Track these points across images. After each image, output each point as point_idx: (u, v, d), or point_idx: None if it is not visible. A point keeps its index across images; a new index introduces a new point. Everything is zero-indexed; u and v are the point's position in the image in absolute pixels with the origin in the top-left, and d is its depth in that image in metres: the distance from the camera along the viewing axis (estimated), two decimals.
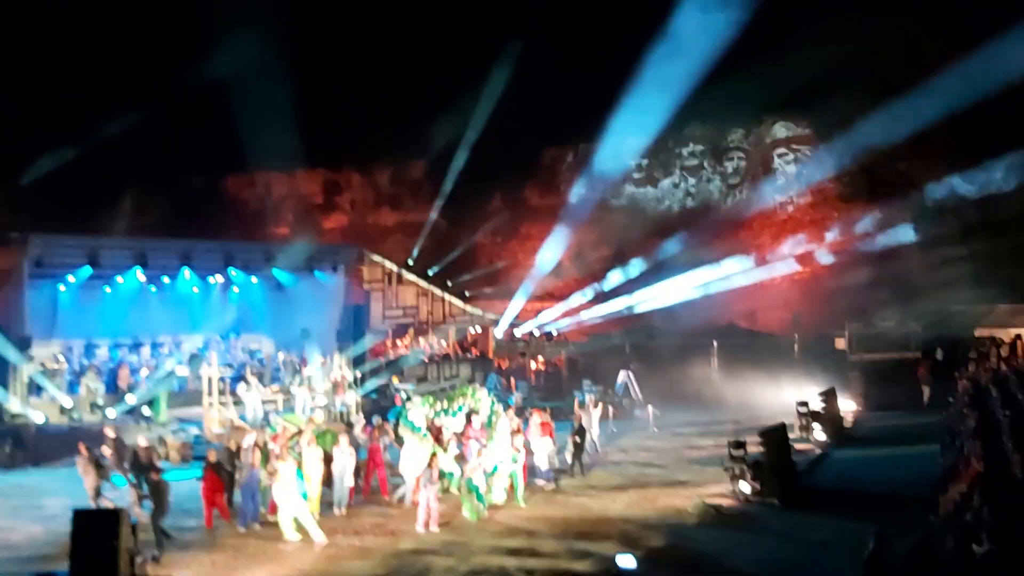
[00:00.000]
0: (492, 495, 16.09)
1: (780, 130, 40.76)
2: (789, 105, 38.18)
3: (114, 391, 25.10)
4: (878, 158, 35.67)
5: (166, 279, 28.24)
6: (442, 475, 15.95)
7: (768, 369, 28.45)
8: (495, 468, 16.22)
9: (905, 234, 34.95)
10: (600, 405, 22.89)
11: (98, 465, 15.86)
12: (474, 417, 19.07)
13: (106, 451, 17.22)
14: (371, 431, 18.19)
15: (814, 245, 37.95)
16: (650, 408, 25.91)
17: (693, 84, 32.59)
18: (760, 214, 39.76)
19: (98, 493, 15.48)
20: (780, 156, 40.55)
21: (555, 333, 35.89)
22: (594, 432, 21.62)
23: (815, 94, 34.89)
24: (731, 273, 35.67)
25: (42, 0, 29.27)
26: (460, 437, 17.95)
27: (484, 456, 16.05)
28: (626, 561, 11.53)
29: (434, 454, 15.95)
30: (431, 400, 19.29)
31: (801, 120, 39.99)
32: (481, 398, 19.69)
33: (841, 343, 31.48)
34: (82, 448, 15.92)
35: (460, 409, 19.16)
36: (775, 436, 16.69)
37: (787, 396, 25.06)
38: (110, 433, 18.02)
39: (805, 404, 22.98)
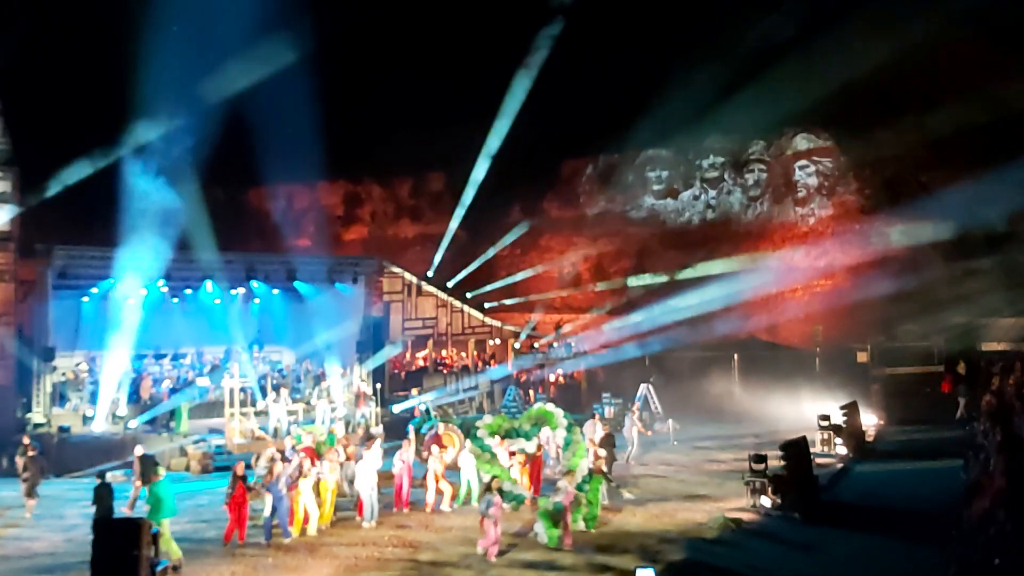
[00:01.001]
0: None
1: (801, 142, 40.55)
2: (810, 117, 38.01)
3: (136, 402, 25.32)
4: (900, 169, 35.43)
5: (188, 291, 28.52)
6: (506, 498, 15.48)
7: (789, 382, 28.29)
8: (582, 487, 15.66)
9: (928, 246, 34.63)
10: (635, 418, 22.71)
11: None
12: (549, 438, 18.81)
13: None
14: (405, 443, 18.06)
15: (835, 257, 37.69)
16: (670, 421, 25.82)
17: (714, 96, 32.60)
18: (781, 226, 39.58)
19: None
20: (801, 168, 40.32)
21: (574, 345, 35.82)
22: (633, 445, 21.79)
23: (836, 106, 34.71)
24: (752, 286, 35.47)
25: (66, 11, 29.72)
26: (529, 459, 17.64)
27: (570, 481, 14.96)
28: (646, 575, 11.48)
29: (495, 476, 15.48)
30: (501, 420, 18.77)
31: (822, 132, 39.79)
32: (557, 417, 18.88)
33: (863, 356, 31.19)
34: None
35: (536, 430, 18.63)
36: (796, 450, 16.56)
37: (808, 410, 24.92)
38: (138, 451, 18.12)
39: (827, 418, 22.83)
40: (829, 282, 37.91)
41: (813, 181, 40.02)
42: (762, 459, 16.70)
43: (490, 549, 13.62)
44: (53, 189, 26.44)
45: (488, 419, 18.95)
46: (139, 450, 18.14)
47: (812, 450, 18.38)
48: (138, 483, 17.17)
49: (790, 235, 39.68)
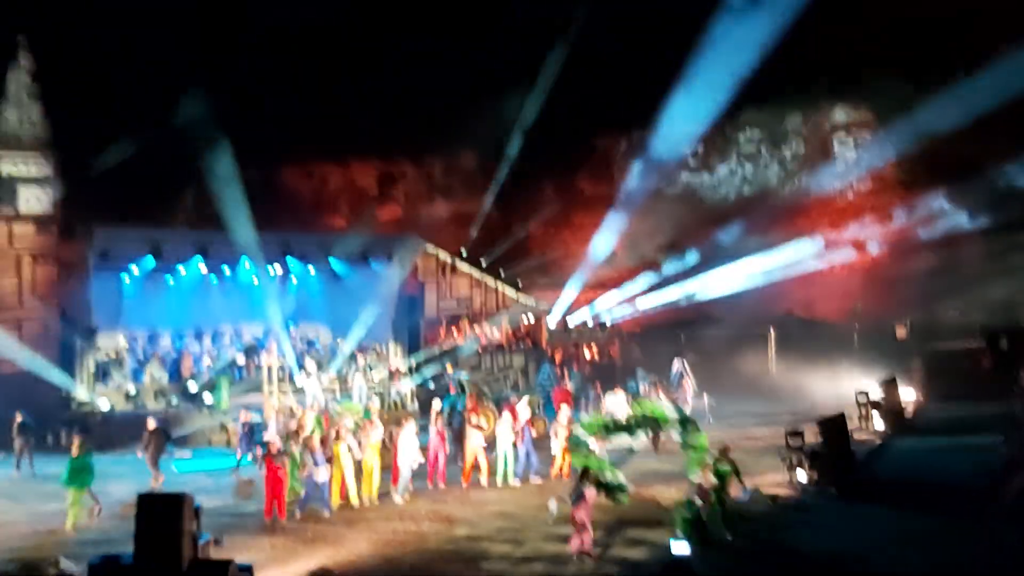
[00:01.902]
0: None
1: (839, 115, 39.95)
2: (848, 89, 37.39)
3: (177, 379, 25.76)
4: (940, 142, 34.73)
5: (227, 269, 28.87)
6: (607, 489, 14.40)
7: (826, 358, 28.03)
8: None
9: (969, 220, 34.04)
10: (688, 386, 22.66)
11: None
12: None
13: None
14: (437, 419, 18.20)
15: (874, 232, 37.18)
16: (706, 397, 25.72)
17: (750, 68, 32.12)
18: (819, 200, 39.06)
19: None
20: (839, 141, 39.76)
21: (609, 322, 35.74)
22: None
23: (875, 77, 34.12)
24: (788, 261, 35.11)
25: None
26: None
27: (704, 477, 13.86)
28: (680, 548, 11.50)
29: (589, 468, 14.13)
30: (600, 420, 17.01)
31: (861, 104, 39.14)
32: (668, 412, 17.10)
33: (902, 332, 30.83)
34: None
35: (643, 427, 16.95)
36: (834, 425, 16.43)
37: (846, 386, 24.69)
38: (151, 424, 18.56)
39: (865, 394, 22.62)
40: (868, 257, 37.43)
41: (852, 154, 39.45)
42: (799, 435, 16.60)
43: (585, 544, 12.43)
44: (92, 170, 26.84)
45: (586, 418, 18.00)
46: (151, 423, 18.59)
47: (850, 426, 18.25)
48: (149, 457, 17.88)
49: (828, 209, 39.17)
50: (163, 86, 27.17)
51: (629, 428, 16.34)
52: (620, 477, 14.89)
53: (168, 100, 25.56)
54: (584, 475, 13.43)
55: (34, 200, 25.70)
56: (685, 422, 16.11)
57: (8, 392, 23.43)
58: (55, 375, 24.12)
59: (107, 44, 31.36)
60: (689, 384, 26.03)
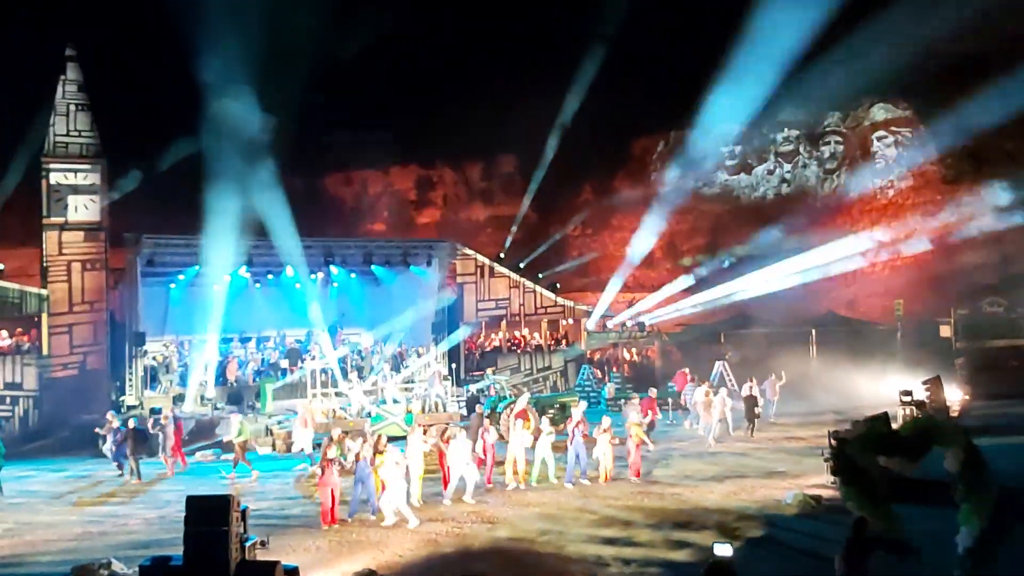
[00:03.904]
0: None
1: (879, 112, 39.53)
2: (888, 86, 36.96)
3: (223, 384, 26.20)
4: (983, 138, 34.23)
5: (270, 276, 29.30)
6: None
7: (869, 358, 27.75)
8: None
9: (1013, 216, 33.46)
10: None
11: None
12: None
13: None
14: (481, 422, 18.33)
15: (916, 230, 36.71)
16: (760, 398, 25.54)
17: (787, 68, 31.92)
18: (859, 199, 38.70)
19: None
20: (879, 139, 39.33)
21: (648, 324, 35.69)
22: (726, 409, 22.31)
23: (915, 74, 33.69)
24: (829, 260, 34.78)
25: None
26: None
27: None
28: (723, 551, 11.49)
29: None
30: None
31: (901, 101, 38.67)
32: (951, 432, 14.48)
33: (946, 330, 30.40)
34: None
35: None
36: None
37: (889, 385, 24.38)
38: (130, 424, 19.76)
39: (909, 393, 22.33)
40: (910, 255, 36.96)
41: (892, 152, 38.99)
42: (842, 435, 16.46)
43: None
44: (140, 180, 27.43)
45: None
46: (131, 423, 19.66)
47: (894, 426, 18.05)
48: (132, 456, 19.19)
49: (869, 208, 38.78)
50: (208, 95, 27.64)
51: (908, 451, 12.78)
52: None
53: (214, 109, 26.01)
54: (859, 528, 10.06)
55: (83, 209, 26.38)
56: (972, 448, 11.84)
57: (61, 396, 24.07)
58: (105, 379, 24.70)
59: (153, 54, 32.06)
60: (730, 385, 25.96)
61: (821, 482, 16.32)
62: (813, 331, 31.25)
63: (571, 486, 17.32)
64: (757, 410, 23.39)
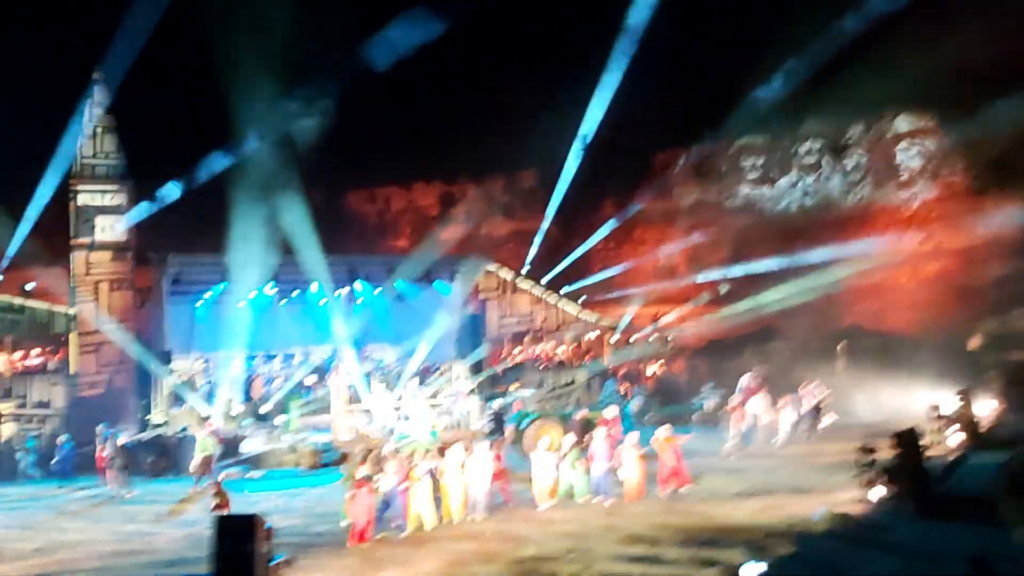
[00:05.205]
0: None
1: (902, 123, 39.23)
2: (911, 97, 36.68)
3: (249, 401, 26.33)
4: (1009, 147, 33.83)
5: (295, 293, 29.48)
6: None
7: (897, 371, 27.41)
8: None
9: None
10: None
11: None
12: None
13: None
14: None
15: (943, 241, 36.32)
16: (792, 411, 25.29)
17: (810, 78, 31.79)
18: (884, 211, 38.38)
19: None
20: (903, 150, 39.02)
21: (672, 338, 35.52)
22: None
23: (938, 84, 33.40)
24: (855, 272, 34.46)
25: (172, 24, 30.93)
26: None
27: None
28: (754, 570, 11.38)
29: None
30: None
31: (924, 112, 38.39)
32: None
33: (975, 342, 30.00)
34: None
35: None
36: (907, 440, 16.07)
37: (918, 399, 24.10)
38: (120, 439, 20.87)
39: (937, 407, 22.07)
40: (936, 267, 36.56)
41: (916, 163, 38.68)
42: (871, 451, 16.28)
43: None
44: (165, 199, 27.72)
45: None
46: (122, 439, 20.63)
47: (923, 440, 17.83)
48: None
49: (894, 219, 38.43)
50: (231, 113, 27.91)
51: None
52: None
53: (237, 129, 26.29)
54: None
55: (110, 229, 26.71)
56: None
57: (88, 414, 24.28)
58: (132, 398, 24.90)
59: (179, 72, 32.42)
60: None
61: (851, 498, 16.12)
62: (840, 344, 30.92)
63: (604, 500, 17.23)
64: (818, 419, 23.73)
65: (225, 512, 14.03)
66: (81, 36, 28.58)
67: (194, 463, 20.55)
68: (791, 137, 40.14)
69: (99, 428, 21.75)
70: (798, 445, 23.14)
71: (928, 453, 17.70)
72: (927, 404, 22.47)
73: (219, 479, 16.25)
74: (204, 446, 20.67)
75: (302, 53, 25.64)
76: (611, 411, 19.06)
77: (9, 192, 27.14)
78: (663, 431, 18.45)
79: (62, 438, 22.80)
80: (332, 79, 28.93)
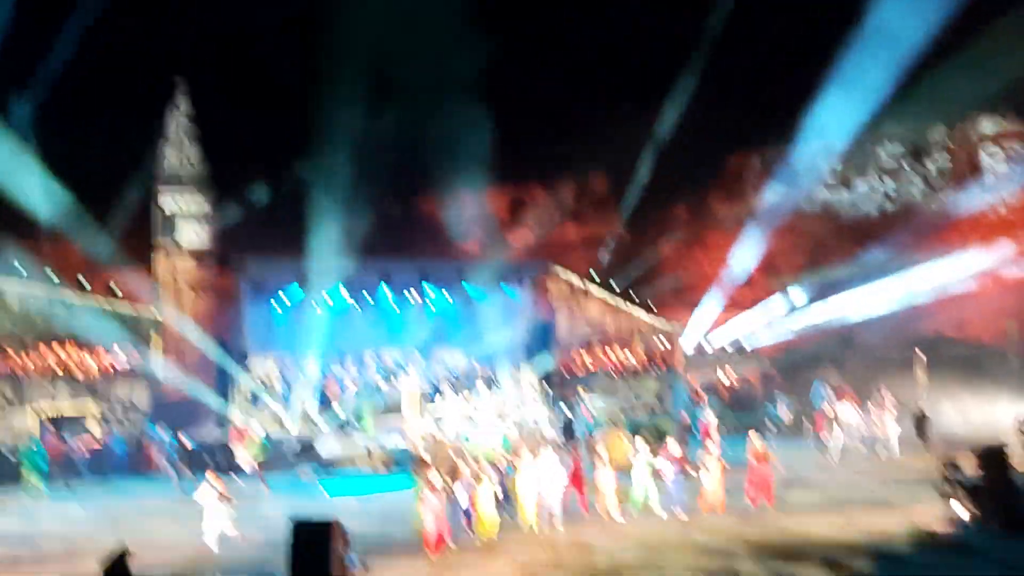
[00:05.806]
0: None
1: (988, 126, 37.98)
2: (998, 99, 35.49)
3: (324, 403, 26.76)
4: None
5: (368, 296, 29.87)
6: None
7: (981, 383, 26.56)
8: None
9: None
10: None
11: None
12: None
13: None
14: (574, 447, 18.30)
15: None
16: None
17: (890, 81, 30.99)
18: (968, 216, 37.17)
19: None
20: (989, 154, 37.78)
21: (747, 346, 34.92)
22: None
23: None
24: (937, 280, 33.45)
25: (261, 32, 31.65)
26: None
27: None
28: None
29: None
30: None
31: (1012, 114, 37.11)
32: None
33: None
34: None
35: None
36: (994, 455, 15.52)
37: (1004, 412, 23.29)
38: None
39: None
40: (1023, 274, 35.29)
41: (1003, 167, 37.42)
42: (957, 467, 15.76)
43: None
44: (246, 205, 28.44)
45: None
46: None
47: (1010, 457, 17.21)
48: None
49: (978, 225, 37.21)
50: (307, 122, 28.45)
51: None
52: None
53: (314, 137, 26.85)
54: None
55: (193, 235, 27.52)
56: None
57: (171, 415, 24.96)
58: (213, 400, 25.55)
59: (261, 81, 33.18)
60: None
61: (933, 514, 15.64)
62: (921, 354, 30.08)
63: (679, 510, 17.04)
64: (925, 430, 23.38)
65: (224, 503, 15.43)
66: (171, 45, 29.49)
67: (250, 465, 20.95)
68: (871, 139, 39.18)
69: (147, 429, 22.33)
70: (873, 459, 22.54)
71: (1017, 470, 17.10)
72: (1012, 417, 21.70)
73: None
74: (255, 448, 21.03)
75: (388, 63, 26.04)
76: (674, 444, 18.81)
77: (96, 197, 28.13)
78: (758, 441, 18.08)
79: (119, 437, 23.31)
80: (408, 88, 29.30)
